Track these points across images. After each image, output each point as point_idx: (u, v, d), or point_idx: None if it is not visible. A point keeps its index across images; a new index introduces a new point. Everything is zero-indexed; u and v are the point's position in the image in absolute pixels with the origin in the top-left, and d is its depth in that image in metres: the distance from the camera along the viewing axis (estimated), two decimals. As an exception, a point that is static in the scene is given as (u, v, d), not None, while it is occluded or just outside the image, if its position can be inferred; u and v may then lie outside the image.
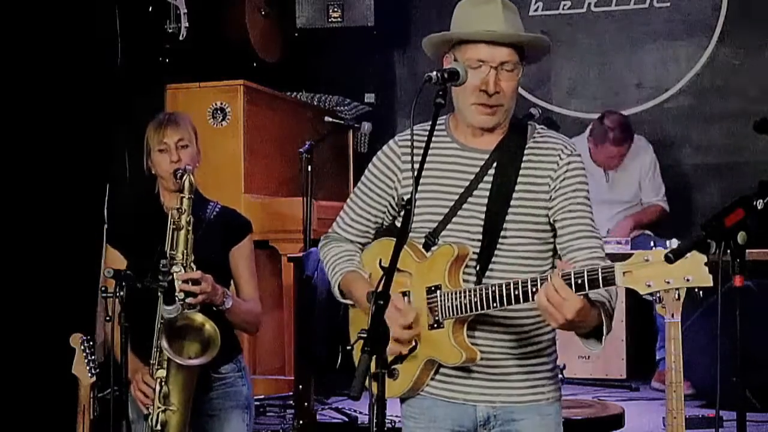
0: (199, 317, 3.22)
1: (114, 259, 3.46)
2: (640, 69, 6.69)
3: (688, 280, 2.25)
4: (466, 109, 2.59)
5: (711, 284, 2.20)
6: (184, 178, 3.28)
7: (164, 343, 3.18)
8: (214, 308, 3.28)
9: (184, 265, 3.23)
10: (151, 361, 3.26)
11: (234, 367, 3.43)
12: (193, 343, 3.25)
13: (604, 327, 2.43)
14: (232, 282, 3.49)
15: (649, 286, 2.29)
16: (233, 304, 3.33)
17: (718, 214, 2.22)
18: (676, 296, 3.14)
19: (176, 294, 3.17)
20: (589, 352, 5.68)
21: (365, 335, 2.20)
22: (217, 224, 3.46)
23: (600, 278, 2.33)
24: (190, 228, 3.25)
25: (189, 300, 3.18)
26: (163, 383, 3.22)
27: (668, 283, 2.28)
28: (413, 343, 2.55)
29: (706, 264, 2.21)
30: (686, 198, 6.54)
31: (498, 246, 2.56)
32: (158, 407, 3.21)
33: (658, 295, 2.92)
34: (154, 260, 3.34)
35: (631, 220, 5.78)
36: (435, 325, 2.55)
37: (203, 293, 3.20)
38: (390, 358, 2.51)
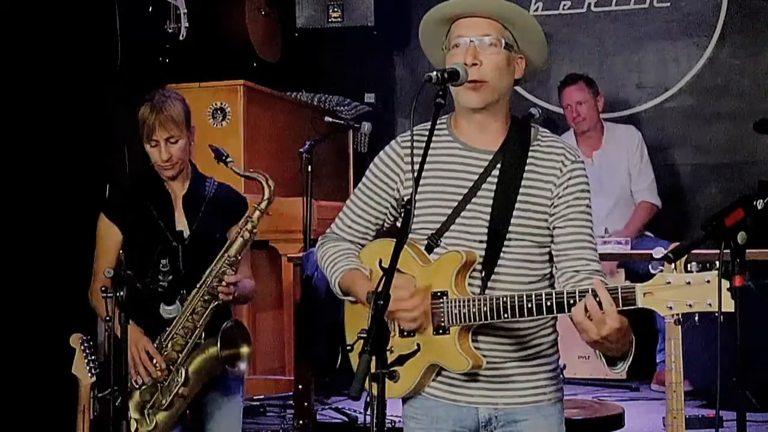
0: (245, 349, 3.38)
1: (105, 229, 3.49)
2: (640, 69, 6.69)
3: (710, 304, 2.24)
4: (459, 93, 2.56)
5: (733, 309, 2.18)
6: (266, 191, 3.39)
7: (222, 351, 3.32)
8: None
9: (234, 269, 3.35)
10: (163, 338, 3.35)
11: None
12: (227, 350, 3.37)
13: (631, 352, 2.42)
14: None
15: (670, 308, 2.29)
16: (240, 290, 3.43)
17: (718, 214, 2.22)
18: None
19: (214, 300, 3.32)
20: (589, 352, 5.69)
21: (365, 335, 2.20)
22: (217, 201, 3.51)
23: (620, 298, 2.32)
24: (250, 240, 3.38)
25: (224, 298, 3.33)
26: (183, 370, 3.32)
27: (690, 306, 2.27)
28: (420, 311, 2.51)
29: (729, 289, 2.19)
30: (686, 198, 6.55)
31: (502, 251, 2.55)
32: (171, 390, 3.30)
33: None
34: (154, 259, 3.36)
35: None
36: (440, 331, 2.53)
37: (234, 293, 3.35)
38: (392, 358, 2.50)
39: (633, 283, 2.34)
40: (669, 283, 2.28)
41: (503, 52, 2.56)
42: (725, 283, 2.20)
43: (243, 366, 3.38)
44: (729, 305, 2.19)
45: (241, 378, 3.52)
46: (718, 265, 2.20)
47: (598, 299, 2.30)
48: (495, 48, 2.55)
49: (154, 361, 3.33)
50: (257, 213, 3.38)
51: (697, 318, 2.37)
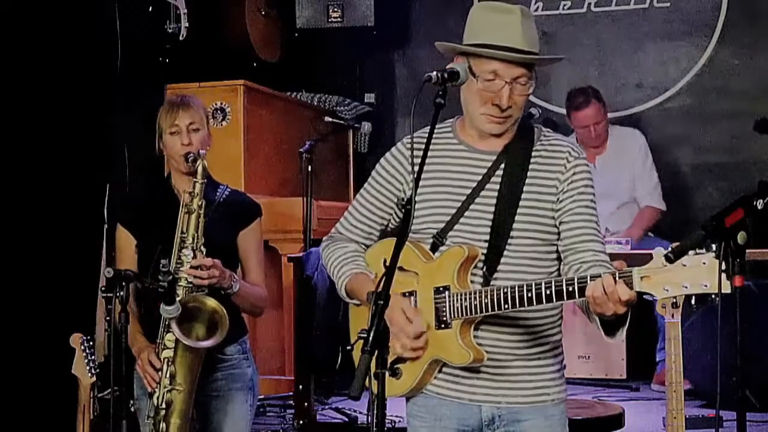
0: (210, 301, 3.24)
1: (123, 239, 3.49)
2: (640, 69, 6.69)
3: (705, 285, 2.25)
4: (476, 116, 2.60)
5: (729, 291, 2.19)
6: (197, 163, 3.32)
7: (175, 328, 3.19)
8: (222, 292, 3.31)
9: (194, 248, 3.27)
10: (158, 341, 3.29)
11: (239, 349, 3.45)
12: (201, 325, 3.27)
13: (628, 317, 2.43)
14: (239, 265, 3.51)
15: (666, 290, 2.30)
16: (240, 288, 3.36)
17: (718, 214, 2.22)
18: (675, 302, 3.15)
19: (178, 284, 3.23)
20: (589, 352, 5.70)
21: (365, 335, 2.20)
22: (227, 207, 3.48)
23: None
24: (201, 212, 3.30)
25: (196, 282, 3.23)
26: (169, 363, 3.24)
27: (685, 288, 2.28)
28: (422, 352, 2.55)
29: (723, 271, 2.20)
30: (686, 198, 6.54)
31: (506, 248, 2.57)
32: (164, 387, 3.23)
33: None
34: (154, 259, 3.36)
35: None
36: (442, 326, 2.55)
37: (211, 278, 3.25)
38: (392, 358, 2.50)
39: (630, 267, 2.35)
40: (665, 265, 2.29)
41: (531, 87, 2.59)
42: (721, 265, 2.20)
43: (222, 330, 3.23)
44: (725, 287, 2.20)
45: (250, 386, 3.46)
46: (714, 248, 2.20)
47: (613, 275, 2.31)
48: (525, 87, 2.58)
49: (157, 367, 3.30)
50: (198, 185, 3.30)
51: (694, 300, 2.36)
